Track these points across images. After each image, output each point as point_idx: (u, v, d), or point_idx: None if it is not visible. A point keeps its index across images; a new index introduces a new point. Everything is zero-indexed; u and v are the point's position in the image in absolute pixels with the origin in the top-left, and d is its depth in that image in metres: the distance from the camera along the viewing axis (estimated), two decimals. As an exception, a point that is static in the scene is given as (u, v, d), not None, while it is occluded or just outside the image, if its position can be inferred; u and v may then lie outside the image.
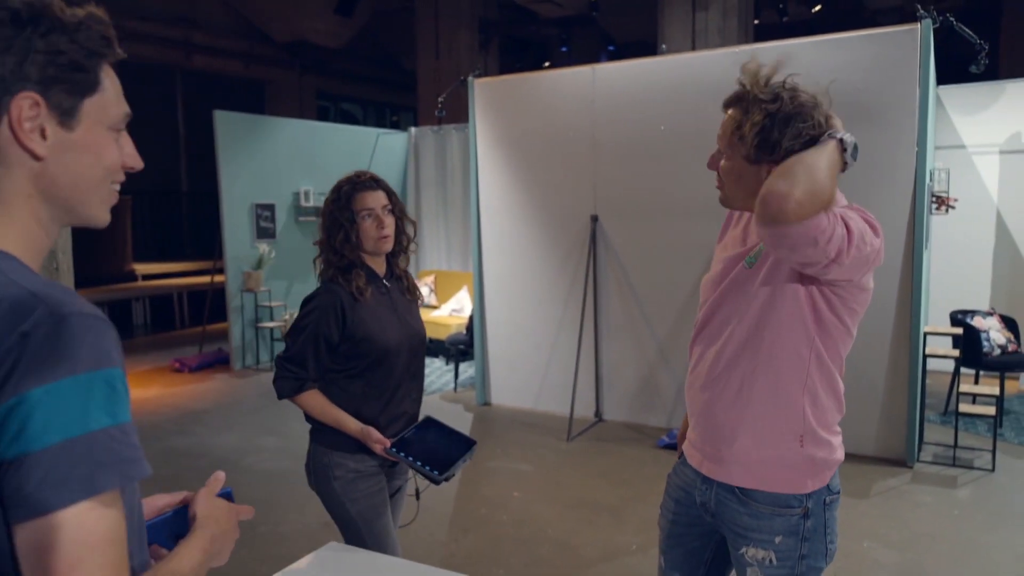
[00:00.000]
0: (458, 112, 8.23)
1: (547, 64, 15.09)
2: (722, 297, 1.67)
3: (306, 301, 2.11)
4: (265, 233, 7.47)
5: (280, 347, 7.58)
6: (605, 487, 4.38)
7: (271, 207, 7.51)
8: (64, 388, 0.69)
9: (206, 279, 9.05)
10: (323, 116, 16.12)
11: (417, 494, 2.33)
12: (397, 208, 2.17)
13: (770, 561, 1.61)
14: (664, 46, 6.68)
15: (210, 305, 8.16)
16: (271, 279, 7.52)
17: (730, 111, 1.58)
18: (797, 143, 1.49)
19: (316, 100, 15.56)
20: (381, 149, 8.51)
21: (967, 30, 4.37)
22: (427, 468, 1.96)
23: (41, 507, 0.66)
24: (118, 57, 0.86)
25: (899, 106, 4.36)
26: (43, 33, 0.79)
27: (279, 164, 7.55)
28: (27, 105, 0.78)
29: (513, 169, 5.82)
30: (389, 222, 2.12)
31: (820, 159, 1.44)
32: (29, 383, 0.68)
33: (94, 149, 0.85)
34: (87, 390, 0.70)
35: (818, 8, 11.60)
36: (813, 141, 1.49)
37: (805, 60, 4.46)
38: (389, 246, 2.14)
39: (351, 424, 2.04)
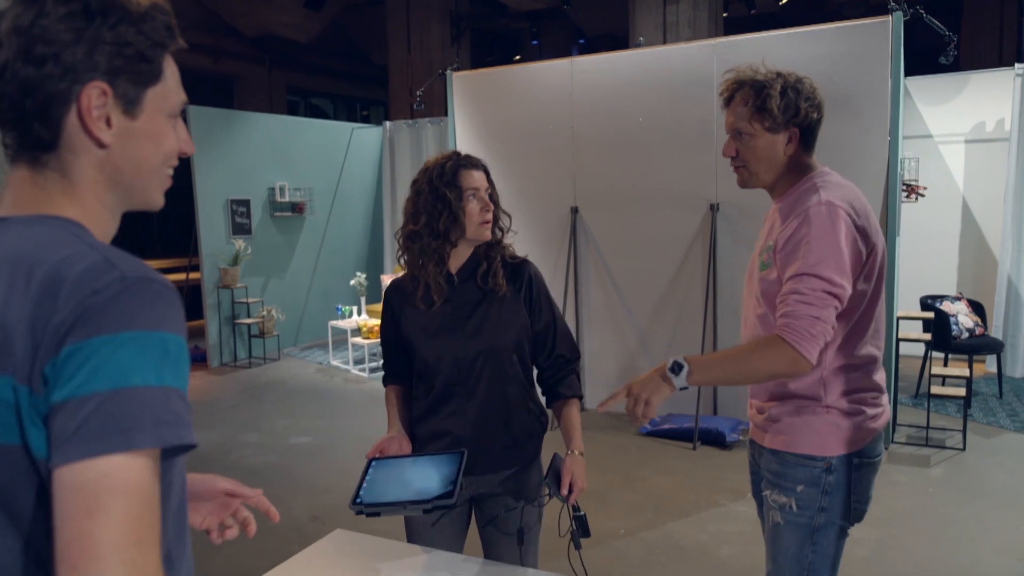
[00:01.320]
0: (432, 105, 8.22)
1: (518, 57, 15.10)
2: (748, 282, 1.84)
3: None
4: (241, 229, 7.40)
5: (256, 344, 7.57)
6: (590, 474, 4.36)
7: (246, 203, 7.44)
8: (119, 341, 0.71)
9: (180, 276, 8.94)
10: (293, 111, 15.97)
11: (573, 537, 1.83)
12: (495, 194, 1.94)
13: (791, 507, 1.72)
14: (642, 39, 6.75)
15: (185, 302, 8.06)
16: (247, 275, 7.46)
17: (738, 95, 1.70)
18: (811, 105, 1.67)
19: (286, 95, 15.41)
20: (356, 143, 8.47)
21: (936, 22, 4.49)
22: (360, 492, 1.63)
23: (77, 453, 0.68)
24: (180, 47, 0.87)
25: (871, 97, 4.47)
26: (112, 24, 0.80)
27: (253, 160, 7.49)
28: (95, 94, 0.80)
29: (492, 162, 5.72)
30: (491, 207, 1.90)
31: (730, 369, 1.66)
32: (90, 332, 0.71)
33: (154, 136, 0.86)
34: (140, 347, 0.72)
35: (785, 0, 11.76)
36: (819, 111, 1.69)
37: (779, 52, 4.58)
38: (489, 234, 1.92)
39: (390, 427, 1.90)
